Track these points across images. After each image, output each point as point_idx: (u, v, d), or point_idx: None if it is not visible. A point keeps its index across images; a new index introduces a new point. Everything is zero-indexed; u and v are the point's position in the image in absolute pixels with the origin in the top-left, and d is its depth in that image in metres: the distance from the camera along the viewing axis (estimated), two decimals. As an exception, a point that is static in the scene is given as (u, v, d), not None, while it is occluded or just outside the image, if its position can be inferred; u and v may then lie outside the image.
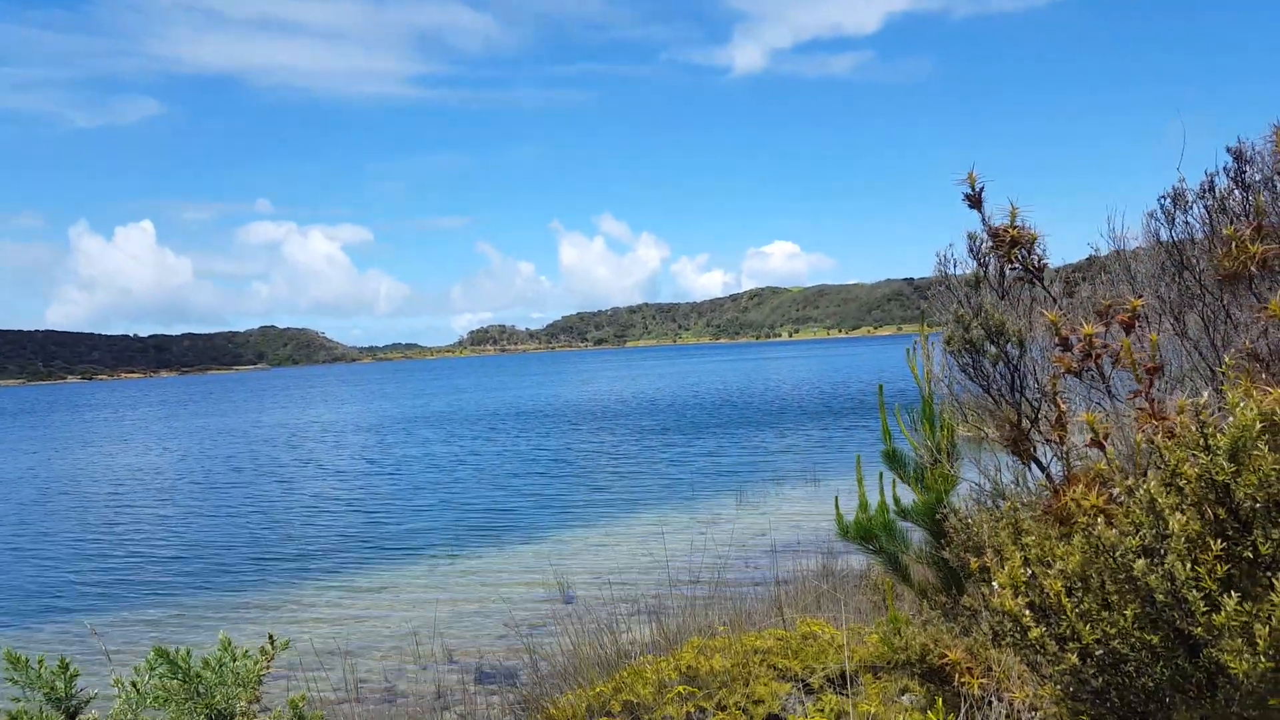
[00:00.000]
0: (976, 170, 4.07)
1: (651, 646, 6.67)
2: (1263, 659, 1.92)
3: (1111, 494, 2.82)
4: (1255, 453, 2.04)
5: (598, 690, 5.52)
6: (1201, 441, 2.16)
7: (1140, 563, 2.11)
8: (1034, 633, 2.19)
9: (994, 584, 2.42)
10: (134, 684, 2.64)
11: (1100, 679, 2.12)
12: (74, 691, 2.22)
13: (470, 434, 36.34)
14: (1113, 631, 2.09)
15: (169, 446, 41.01)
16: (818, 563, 8.79)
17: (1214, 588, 2.02)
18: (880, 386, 5.36)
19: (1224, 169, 4.12)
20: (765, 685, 5.03)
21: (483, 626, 11.02)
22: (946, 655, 3.55)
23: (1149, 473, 2.35)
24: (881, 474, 5.39)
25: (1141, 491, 2.24)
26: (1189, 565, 2.05)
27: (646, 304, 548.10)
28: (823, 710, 4.67)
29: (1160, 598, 2.08)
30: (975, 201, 4.28)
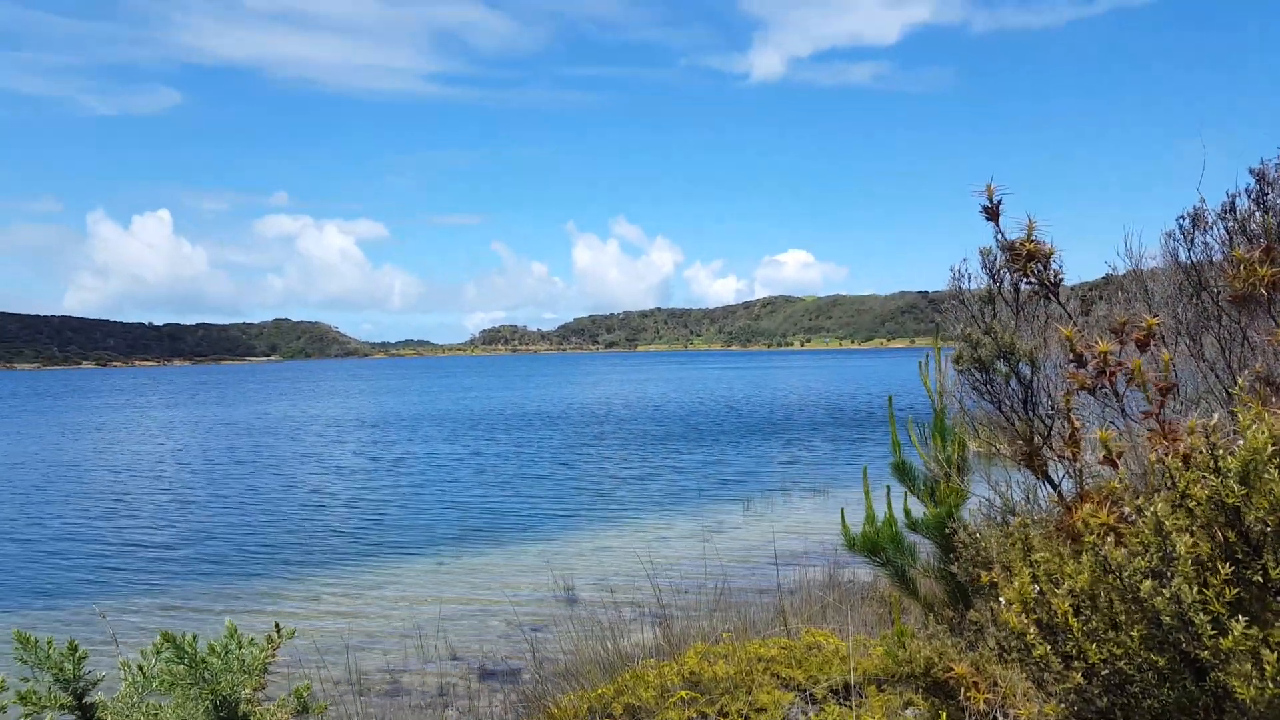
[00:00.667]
0: (995, 184, 4.07)
1: (654, 651, 6.67)
2: (1270, 685, 1.91)
3: (1123, 513, 2.81)
4: (1266, 476, 2.03)
5: (599, 692, 5.53)
6: (1212, 463, 2.15)
7: (1147, 584, 2.10)
8: (1039, 650, 2.18)
9: (1001, 600, 2.42)
10: (140, 667, 2.66)
11: (1105, 699, 2.11)
12: (82, 673, 2.24)
13: (473, 434, 36.39)
14: (1119, 652, 2.08)
15: (175, 436, 41.25)
16: (823, 573, 8.77)
17: (1222, 611, 2.01)
18: (890, 398, 5.35)
19: (1245, 190, 4.10)
20: (768, 693, 5.02)
21: (485, 625, 11.04)
22: (952, 669, 3.54)
23: (1157, 494, 2.35)
24: (889, 487, 5.38)
25: (1149, 513, 2.23)
26: (1196, 588, 2.04)
27: (659, 308, 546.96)
28: (824, 720, 4.66)
29: (1167, 620, 2.08)
30: (993, 214, 4.27)
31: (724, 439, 31.19)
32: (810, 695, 5.11)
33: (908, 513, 4.86)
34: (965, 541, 4.15)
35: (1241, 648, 1.94)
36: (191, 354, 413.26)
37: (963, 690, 3.41)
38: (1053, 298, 4.30)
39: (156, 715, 2.63)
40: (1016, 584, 2.41)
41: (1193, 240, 4.30)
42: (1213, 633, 1.99)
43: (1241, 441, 2.18)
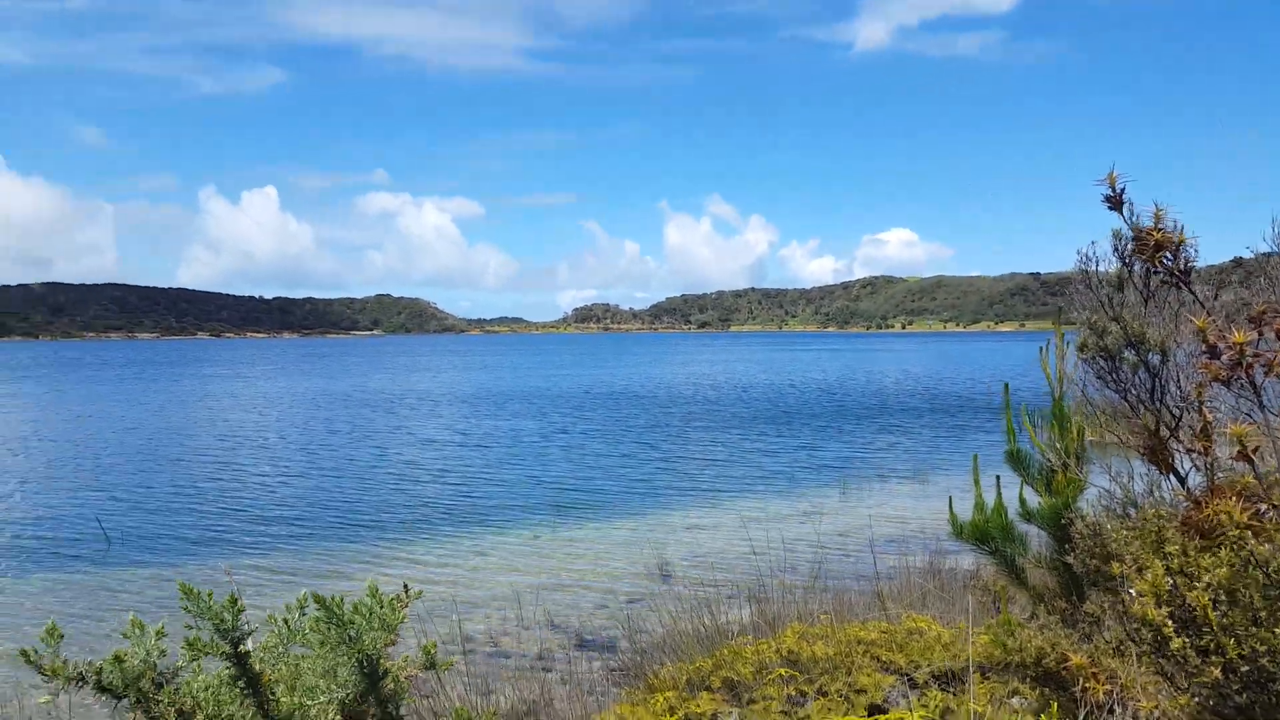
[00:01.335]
0: (1117, 169, 3.92)
1: (750, 628, 6.71)
2: None
3: (1259, 509, 2.71)
4: None
5: (697, 665, 5.60)
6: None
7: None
8: (1176, 643, 2.13)
9: (1132, 591, 2.37)
10: (285, 620, 2.83)
11: (1244, 695, 2.05)
12: (239, 624, 2.41)
13: (561, 411, 36.90)
14: (1261, 649, 2.02)
15: (278, 407, 43.12)
16: (923, 560, 8.64)
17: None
18: (1006, 385, 5.23)
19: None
20: (868, 676, 5.00)
21: (582, 595, 11.26)
22: (1067, 660, 3.47)
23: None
24: (999, 475, 5.27)
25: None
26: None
27: (753, 288, 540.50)
28: (927, 706, 4.63)
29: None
30: (1116, 203, 4.12)
31: (816, 423, 30.85)
32: (911, 680, 5.08)
33: (1023, 502, 4.75)
34: (1084, 533, 4.04)
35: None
36: (299, 327, 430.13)
37: (1081, 681, 3.35)
38: (1183, 286, 4.13)
39: (298, 665, 2.80)
40: (1149, 577, 2.35)
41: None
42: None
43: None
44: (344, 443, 27.48)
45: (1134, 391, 4.17)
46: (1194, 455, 3.82)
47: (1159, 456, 3.89)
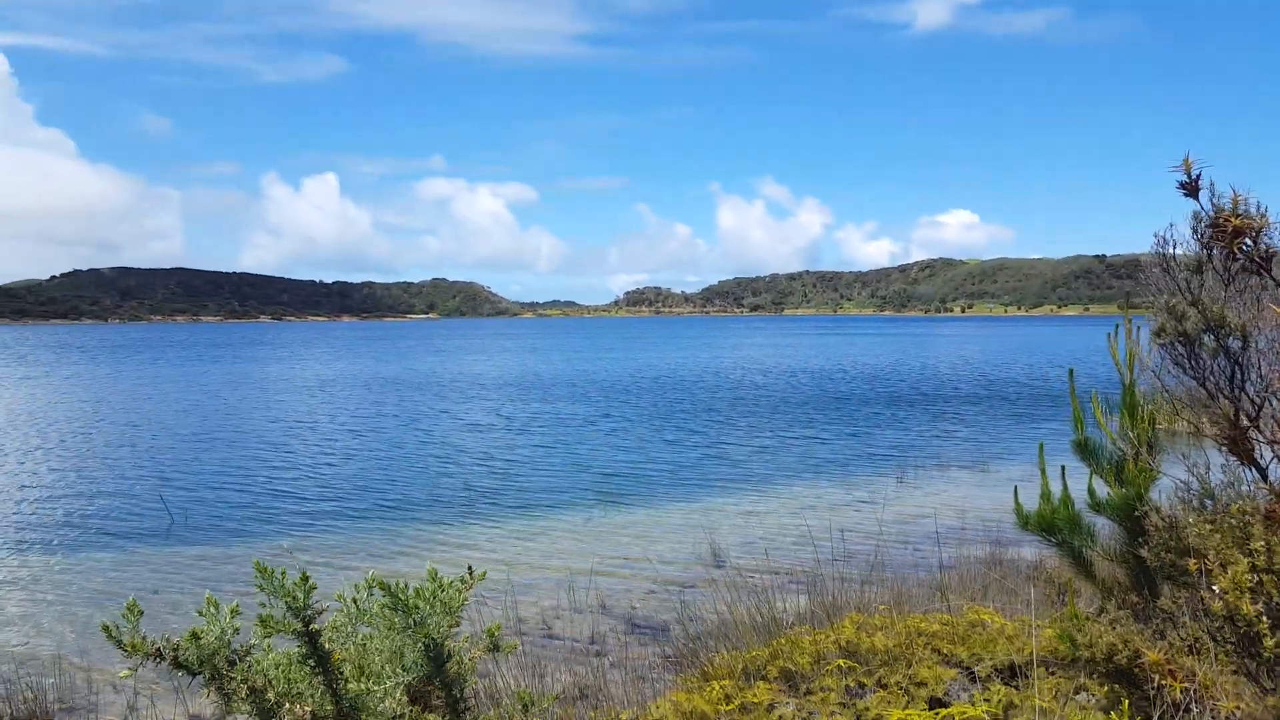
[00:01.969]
0: (1189, 150, 3.78)
1: (807, 618, 6.66)
2: None
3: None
4: None
5: (753, 654, 5.57)
6: None
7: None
8: (1269, 642, 2.05)
9: (1214, 588, 2.28)
10: (354, 600, 2.88)
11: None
12: (310, 602, 2.45)
13: (610, 396, 36.96)
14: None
15: (333, 389, 43.94)
16: (985, 551, 8.49)
17: None
18: (1071, 372, 5.08)
19: None
20: (929, 669, 4.93)
21: (634, 580, 11.30)
22: (1141, 656, 3.37)
23: None
24: (1064, 466, 5.13)
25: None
26: None
27: (807, 271, 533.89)
28: (990, 700, 4.55)
29: None
30: (1192, 190, 3.97)
31: (868, 409, 30.46)
32: (973, 673, 4.99)
33: (1091, 492, 4.62)
34: (1159, 525, 3.92)
35: None
36: (358, 310, 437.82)
37: (1157, 678, 3.25)
38: (1265, 273, 3.97)
39: (365, 645, 2.84)
40: (1232, 572, 2.26)
41: None
42: None
43: None
44: (395, 425, 27.92)
45: (1213, 378, 4.02)
46: (1276, 446, 3.68)
47: (1239, 447, 3.75)
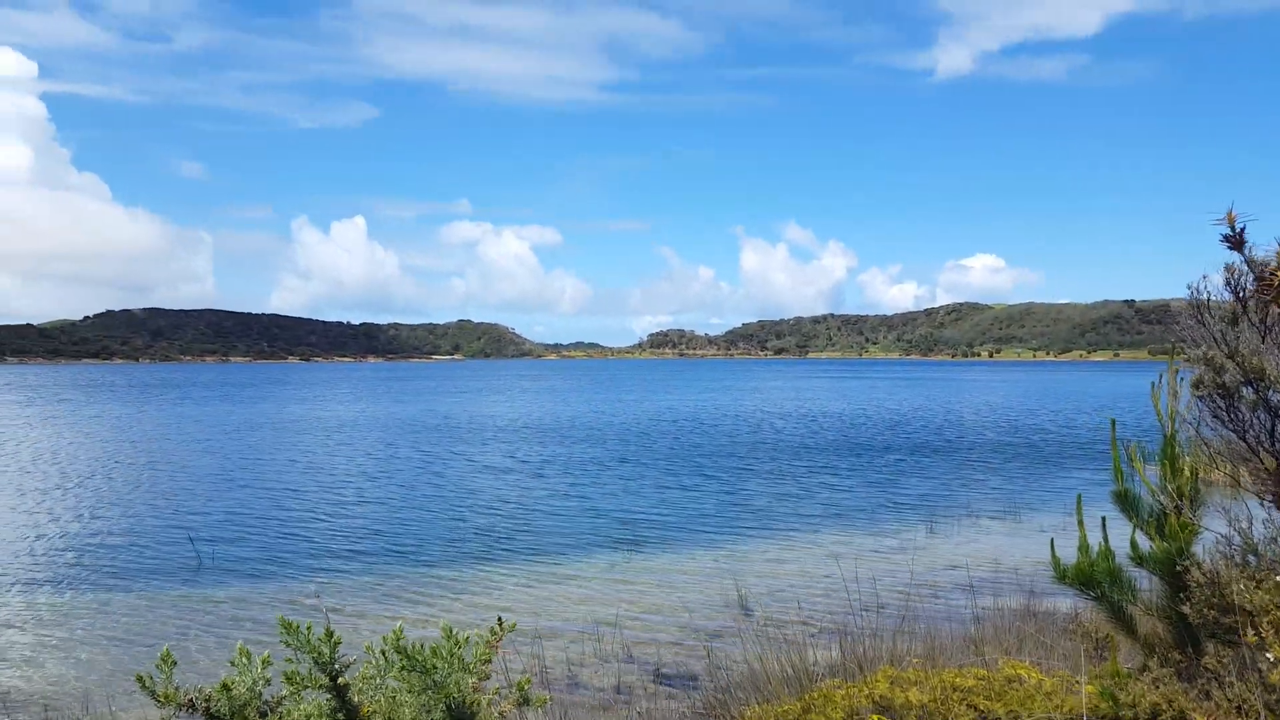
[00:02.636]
0: (1220, 199, 3.75)
1: (838, 669, 6.53)
2: None
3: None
4: None
5: (785, 708, 5.46)
6: None
7: None
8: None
9: (1269, 656, 2.21)
10: (383, 652, 2.85)
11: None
12: (336, 656, 2.43)
13: (629, 441, 36.83)
14: None
15: (357, 431, 44.14)
16: (1018, 603, 8.31)
17: None
18: (1113, 422, 5.00)
19: None
20: (965, 725, 4.80)
21: (660, 627, 11.16)
22: (1188, 717, 3.27)
23: None
24: (1105, 517, 5.03)
25: None
26: None
27: (831, 314, 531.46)
28: (1030, 760, 4.41)
29: None
30: (1236, 244, 3.94)
31: (890, 456, 30.13)
32: (1011, 731, 4.86)
33: (1134, 545, 4.52)
34: (1200, 581, 3.82)
35: None
36: (384, 351, 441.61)
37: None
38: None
39: (394, 698, 2.81)
40: (1288, 637, 2.19)
41: None
42: None
43: None
44: (412, 468, 27.92)
45: (1253, 431, 3.94)
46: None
47: (1285, 502, 3.66)
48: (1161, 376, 4.40)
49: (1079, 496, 4.95)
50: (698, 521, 18.29)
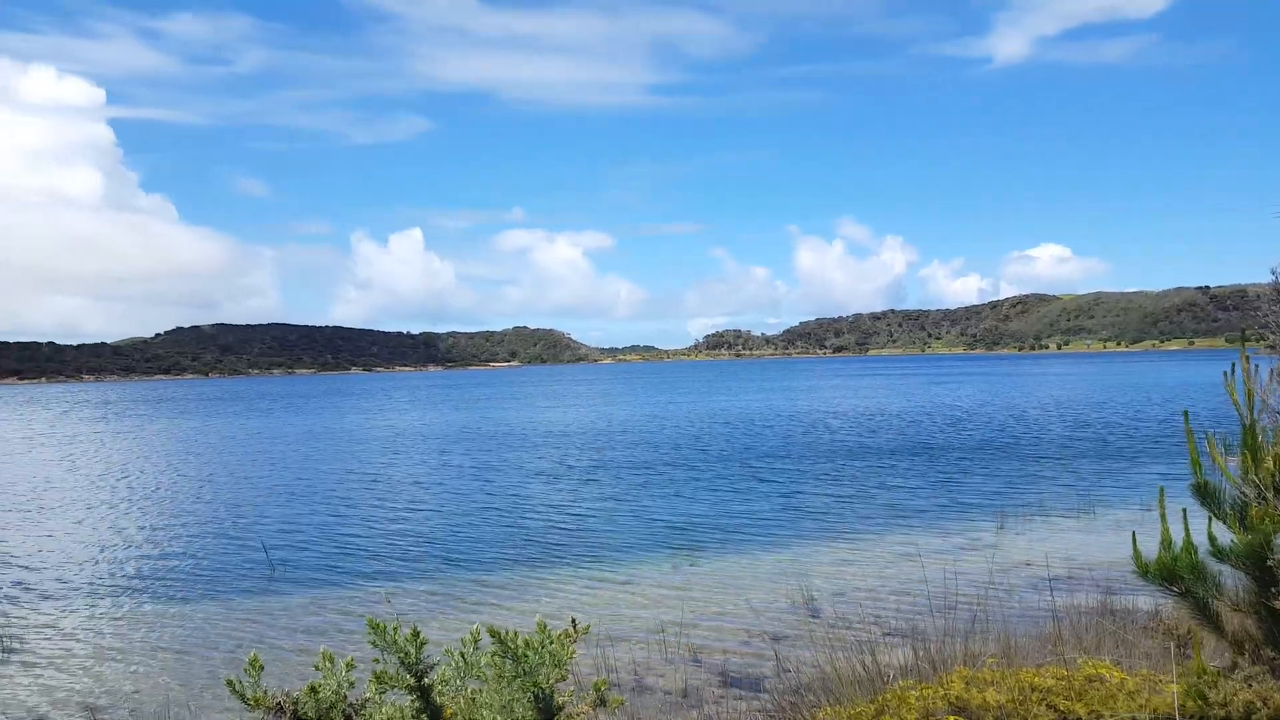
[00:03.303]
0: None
1: (911, 671, 6.44)
2: None
3: None
4: None
5: (858, 710, 5.40)
6: None
7: None
8: None
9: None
10: (462, 654, 2.89)
11: None
12: (422, 657, 2.47)
13: (685, 443, 36.73)
14: None
15: (418, 438, 44.81)
16: (1095, 600, 8.10)
17: None
18: (1185, 413, 4.85)
19: None
20: (1045, 726, 4.70)
21: (724, 629, 11.12)
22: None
23: None
24: (1185, 509, 4.88)
25: None
26: None
27: (892, 310, 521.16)
28: (1114, 761, 4.30)
29: None
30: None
31: (953, 455, 29.57)
32: (1094, 732, 4.74)
33: (1212, 539, 4.38)
34: (1294, 575, 3.68)
35: None
36: (443, 360, 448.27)
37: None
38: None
39: (474, 699, 2.85)
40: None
41: None
42: None
43: None
44: (470, 476, 28.17)
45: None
46: None
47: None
48: (1234, 365, 4.25)
49: (1161, 489, 4.81)
50: (756, 524, 18.17)
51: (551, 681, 2.52)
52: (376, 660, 2.53)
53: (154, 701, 9.37)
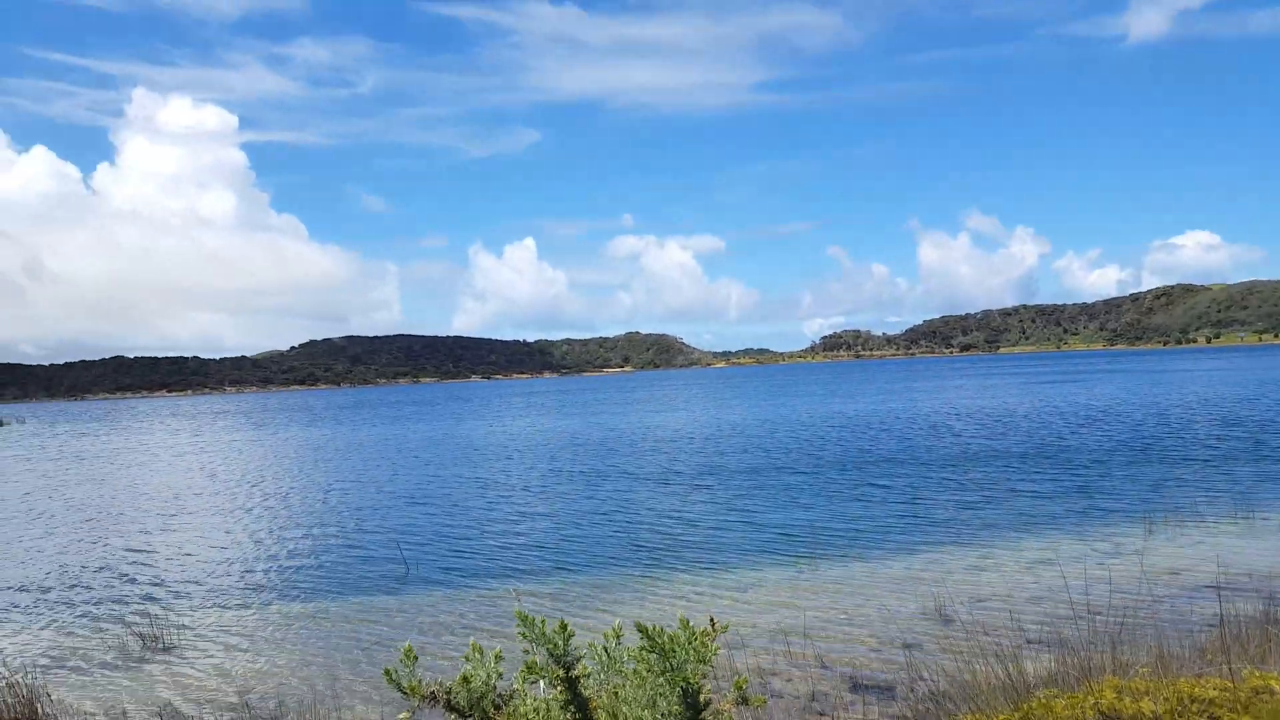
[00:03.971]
0: None
1: (1056, 679, 6.16)
2: None
3: None
4: None
5: (1002, 718, 5.20)
6: None
7: None
8: None
9: None
10: (604, 649, 2.93)
11: None
12: (569, 649, 2.51)
13: (801, 447, 36.10)
14: None
15: (537, 443, 45.63)
16: (1256, 609, 7.55)
17: None
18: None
19: None
20: (1210, 740, 4.41)
21: (851, 636, 10.89)
22: None
23: None
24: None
25: None
26: None
27: (1024, 306, 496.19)
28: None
29: None
30: None
31: (1088, 457, 28.11)
32: (1265, 749, 4.42)
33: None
34: None
35: None
36: (558, 367, 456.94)
37: None
38: None
39: (617, 694, 2.88)
40: None
41: None
42: None
43: None
44: (580, 482, 28.37)
45: None
46: None
47: None
48: None
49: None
50: (876, 531, 17.68)
51: (698, 677, 2.52)
52: (527, 650, 2.59)
53: (300, 694, 9.85)
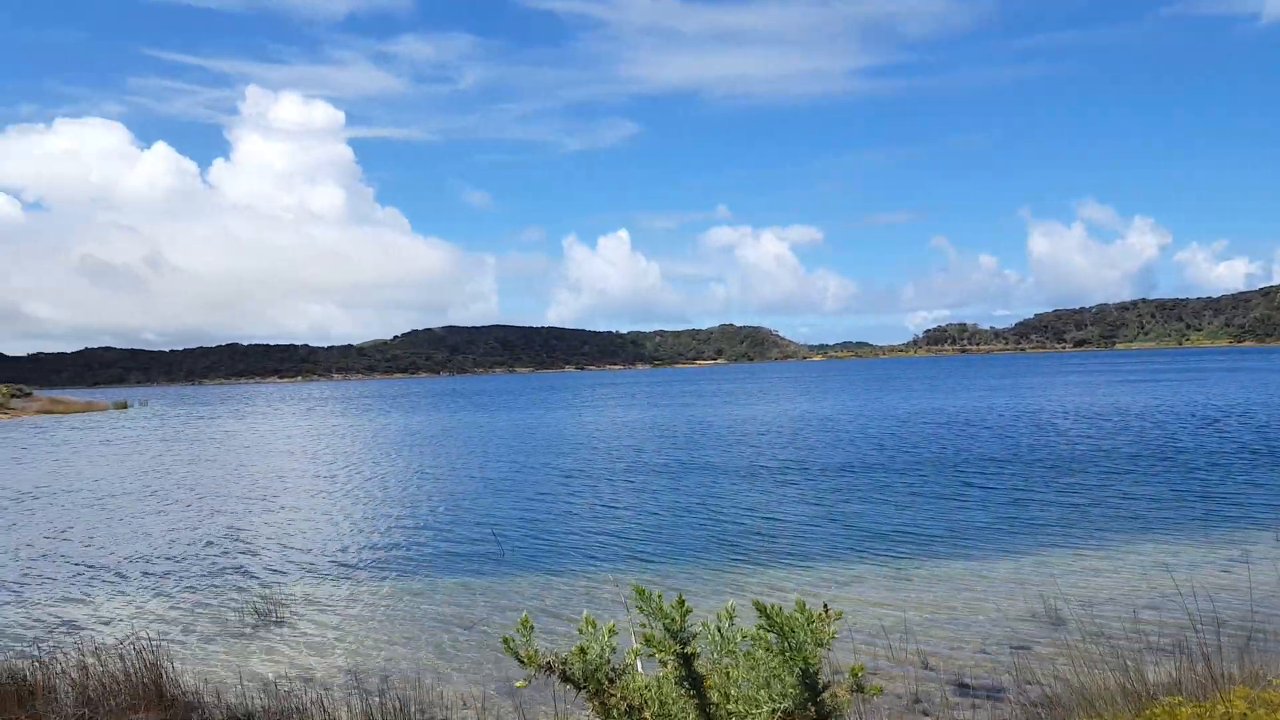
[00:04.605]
0: None
1: (1178, 687, 5.86)
2: None
3: None
4: None
5: (1121, 724, 4.98)
6: None
7: None
8: None
9: None
10: (718, 628, 2.91)
11: None
12: (686, 625, 2.50)
13: (900, 442, 35.23)
14: None
15: (627, 432, 45.83)
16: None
17: None
18: None
19: None
20: (1358, 758, 4.13)
21: (956, 636, 10.60)
22: None
23: None
24: None
25: None
26: None
27: (1143, 299, 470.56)
28: None
29: None
30: None
31: (1206, 459, 26.59)
32: None
33: None
34: None
35: None
36: (651, 358, 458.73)
37: None
38: None
39: (728, 674, 2.85)
40: None
41: None
42: None
43: None
44: (672, 472, 28.30)
45: None
46: None
47: None
48: None
49: None
50: (977, 531, 17.11)
51: (816, 659, 2.48)
52: (643, 624, 2.59)
53: (405, 668, 10.16)
